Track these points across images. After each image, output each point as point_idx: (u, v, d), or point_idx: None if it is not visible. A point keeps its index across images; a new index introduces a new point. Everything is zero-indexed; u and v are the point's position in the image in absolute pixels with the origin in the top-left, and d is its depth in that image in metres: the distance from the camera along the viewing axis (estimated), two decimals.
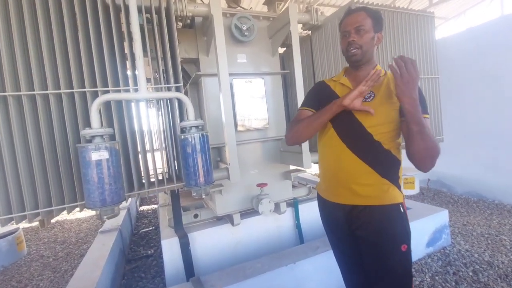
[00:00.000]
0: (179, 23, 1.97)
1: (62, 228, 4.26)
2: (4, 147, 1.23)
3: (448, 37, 4.19)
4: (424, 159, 1.03)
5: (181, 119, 1.57)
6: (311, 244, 2.22)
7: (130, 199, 4.46)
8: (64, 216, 4.86)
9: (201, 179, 1.28)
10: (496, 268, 2.24)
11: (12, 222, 1.24)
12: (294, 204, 2.69)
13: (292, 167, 2.58)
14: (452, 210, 3.67)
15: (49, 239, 3.82)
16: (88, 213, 4.91)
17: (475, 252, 2.50)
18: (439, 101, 2.50)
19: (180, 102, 1.43)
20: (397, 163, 1.18)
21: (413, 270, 2.31)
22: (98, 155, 1.05)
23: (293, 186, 2.94)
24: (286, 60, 2.90)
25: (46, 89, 1.27)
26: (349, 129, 1.18)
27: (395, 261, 1.13)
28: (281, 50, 2.93)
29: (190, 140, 1.26)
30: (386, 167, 1.15)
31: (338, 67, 2.24)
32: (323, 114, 1.15)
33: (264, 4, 2.59)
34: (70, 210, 1.36)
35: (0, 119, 1.21)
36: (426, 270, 2.29)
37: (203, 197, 1.31)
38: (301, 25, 2.38)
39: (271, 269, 1.88)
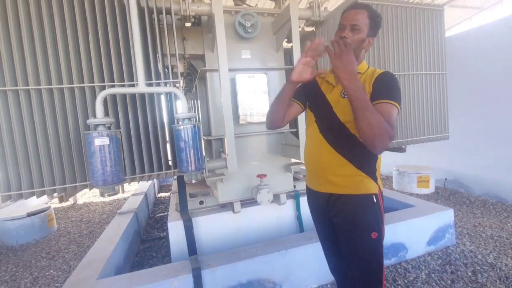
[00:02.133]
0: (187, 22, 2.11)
1: (88, 209, 4.69)
2: (28, 134, 1.46)
3: (481, 26, 3.90)
4: (370, 138, 1.00)
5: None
6: (306, 234, 2.31)
7: (149, 185, 4.78)
8: (90, 198, 5.33)
9: (192, 165, 1.42)
10: (498, 270, 2.19)
11: (34, 196, 1.47)
12: (295, 196, 2.77)
13: (293, 160, 2.66)
14: (465, 211, 3.55)
15: (76, 218, 4.24)
16: (112, 197, 5.33)
17: (479, 253, 2.44)
18: (445, 98, 2.43)
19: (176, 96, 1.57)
20: (373, 156, 1.22)
21: (409, 266, 2.33)
22: (101, 141, 1.23)
23: (298, 179, 3.02)
24: (292, 55, 2.94)
25: (62, 84, 1.48)
26: (328, 123, 1.25)
27: (365, 248, 1.20)
28: (290, 45, 2.98)
29: (182, 130, 1.40)
30: (362, 159, 1.20)
31: None
32: (282, 90, 1.26)
33: (271, 0, 2.64)
34: (81, 188, 1.58)
35: (24, 110, 1.44)
36: (423, 267, 2.29)
37: (193, 182, 1.46)
38: (304, 21, 2.41)
39: (263, 253, 2.01)
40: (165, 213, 4.31)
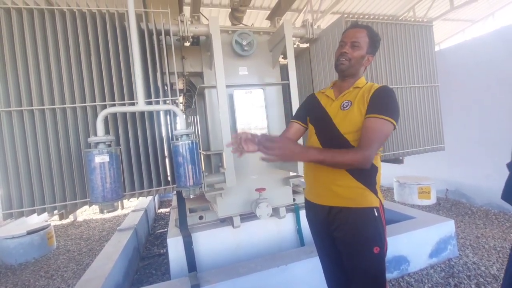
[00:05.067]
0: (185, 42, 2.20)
1: (88, 226, 4.66)
2: (31, 153, 1.51)
3: (476, 38, 4.00)
4: (353, 167, 1.15)
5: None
6: (306, 248, 2.29)
7: (149, 201, 4.77)
8: (90, 215, 5.30)
9: (190, 181, 1.45)
10: (501, 282, 2.15)
11: (34, 213, 1.49)
12: (295, 209, 2.77)
13: (292, 174, 2.67)
14: (468, 221, 3.51)
15: (75, 236, 4.21)
16: (112, 213, 5.31)
17: (482, 265, 2.41)
18: (439, 109, 2.48)
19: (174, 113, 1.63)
20: (373, 168, 1.24)
21: (411, 279, 2.29)
22: (101, 158, 1.26)
23: (297, 192, 3.02)
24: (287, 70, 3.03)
25: (64, 103, 1.54)
26: (328, 135, 1.28)
27: (368, 262, 1.19)
28: (286, 61, 3.07)
29: (180, 146, 1.44)
30: (361, 171, 1.19)
31: (334, 77, 2.33)
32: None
33: (266, 19, 2.75)
34: (81, 205, 1.60)
35: (28, 129, 1.49)
36: (426, 281, 2.26)
37: (191, 197, 1.48)
38: (298, 39, 2.50)
39: (263, 269, 1.99)
40: (165, 229, 4.28)
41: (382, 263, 1.21)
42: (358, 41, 1.22)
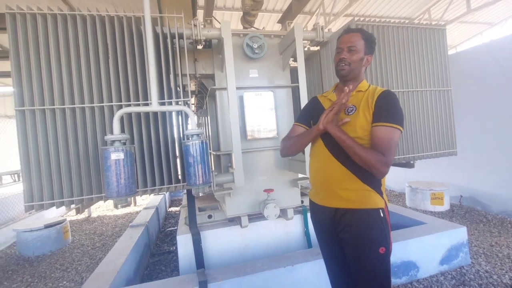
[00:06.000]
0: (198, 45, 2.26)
1: (102, 222, 4.81)
2: (51, 148, 1.60)
3: (493, 41, 3.90)
4: (367, 168, 1.16)
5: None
6: (313, 250, 2.30)
7: (160, 199, 4.89)
8: (104, 212, 5.47)
9: (200, 179, 1.50)
10: None
11: (53, 206, 1.58)
12: (303, 211, 2.78)
13: (300, 175, 2.69)
14: (482, 229, 3.41)
15: (90, 231, 4.35)
16: (124, 210, 5.46)
17: (495, 273, 2.34)
18: (452, 114, 2.44)
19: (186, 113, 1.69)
20: None
21: (421, 286, 2.26)
22: (116, 155, 1.33)
23: (305, 195, 3.02)
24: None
25: (83, 103, 1.63)
26: (334, 139, 1.30)
27: (373, 262, 1.21)
28: (296, 63, 3.10)
29: (191, 145, 1.49)
30: (368, 174, 1.21)
31: None
32: (307, 136, 1.32)
33: (277, 23, 2.79)
34: (96, 200, 1.68)
35: (49, 127, 1.58)
36: None
37: (200, 195, 1.52)
38: (309, 42, 2.53)
39: (269, 268, 2.02)
40: (175, 228, 4.37)
41: (388, 263, 1.22)
42: (354, 45, 1.25)
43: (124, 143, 1.42)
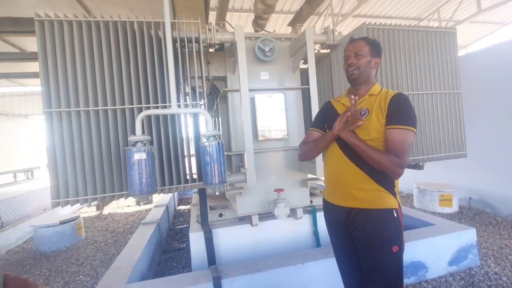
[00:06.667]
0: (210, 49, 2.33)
1: (113, 219, 4.94)
2: (76, 149, 1.69)
3: (504, 42, 3.88)
4: (382, 170, 1.22)
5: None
6: (323, 249, 2.34)
7: (170, 198, 4.99)
8: (115, 209, 5.60)
9: (216, 179, 1.56)
10: None
11: (78, 203, 1.67)
12: (312, 211, 2.83)
13: (310, 176, 2.74)
14: (491, 231, 3.41)
15: (102, 228, 4.48)
16: (134, 208, 5.59)
17: (504, 275, 2.36)
18: (462, 116, 2.46)
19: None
20: None
21: (429, 286, 2.29)
22: (139, 155, 1.40)
23: (314, 195, 3.07)
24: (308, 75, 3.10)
25: (106, 105, 1.71)
26: None
27: (386, 261, 1.25)
28: (306, 66, 3.15)
29: (208, 146, 1.56)
30: (382, 175, 1.26)
31: None
32: (323, 141, 1.40)
33: (288, 25, 2.84)
34: (118, 197, 1.76)
35: (75, 128, 1.68)
36: None
37: (217, 194, 1.59)
38: (319, 45, 2.57)
39: (280, 266, 2.07)
40: (185, 226, 4.46)
41: (401, 261, 1.27)
42: (360, 50, 1.34)
43: (146, 144, 1.49)
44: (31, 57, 3.38)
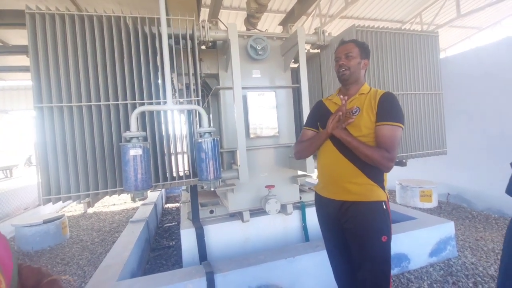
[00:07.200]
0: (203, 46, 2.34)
1: (99, 218, 4.83)
2: (68, 145, 1.66)
3: (481, 47, 4.11)
4: (374, 164, 1.30)
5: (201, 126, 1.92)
6: (312, 243, 2.42)
7: (158, 195, 4.93)
8: (100, 208, 5.47)
9: (211, 175, 1.59)
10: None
11: (70, 200, 1.65)
12: (301, 207, 2.90)
13: (299, 173, 2.81)
14: (468, 225, 3.62)
15: (87, 227, 4.37)
16: (120, 206, 5.49)
17: (480, 265, 2.52)
18: (442, 116, 2.60)
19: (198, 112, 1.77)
20: None
21: (412, 276, 2.41)
22: (135, 151, 1.41)
23: (303, 191, 3.15)
24: (298, 74, 3.16)
25: (99, 101, 1.69)
26: None
27: (376, 250, 1.33)
28: (296, 65, 3.21)
29: (203, 143, 1.58)
30: (373, 170, 1.35)
31: None
32: (317, 139, 1.47)
33: (279, 24, 2.89)
34: (111, 194, 1.75)
35: (67, 123, 1.65)
36: (425, 278, 2.38)
37: (212, 189, 1.62)
38: (309, 45, 2.64)
39: (271, 260, 2.13)
40: (173, 223, 4.43)
41: (389, 251, 1.36)
42: (351, 52, 1.43)
43: (140, 140, 1.49)
44: (14, 50, 3.25)
